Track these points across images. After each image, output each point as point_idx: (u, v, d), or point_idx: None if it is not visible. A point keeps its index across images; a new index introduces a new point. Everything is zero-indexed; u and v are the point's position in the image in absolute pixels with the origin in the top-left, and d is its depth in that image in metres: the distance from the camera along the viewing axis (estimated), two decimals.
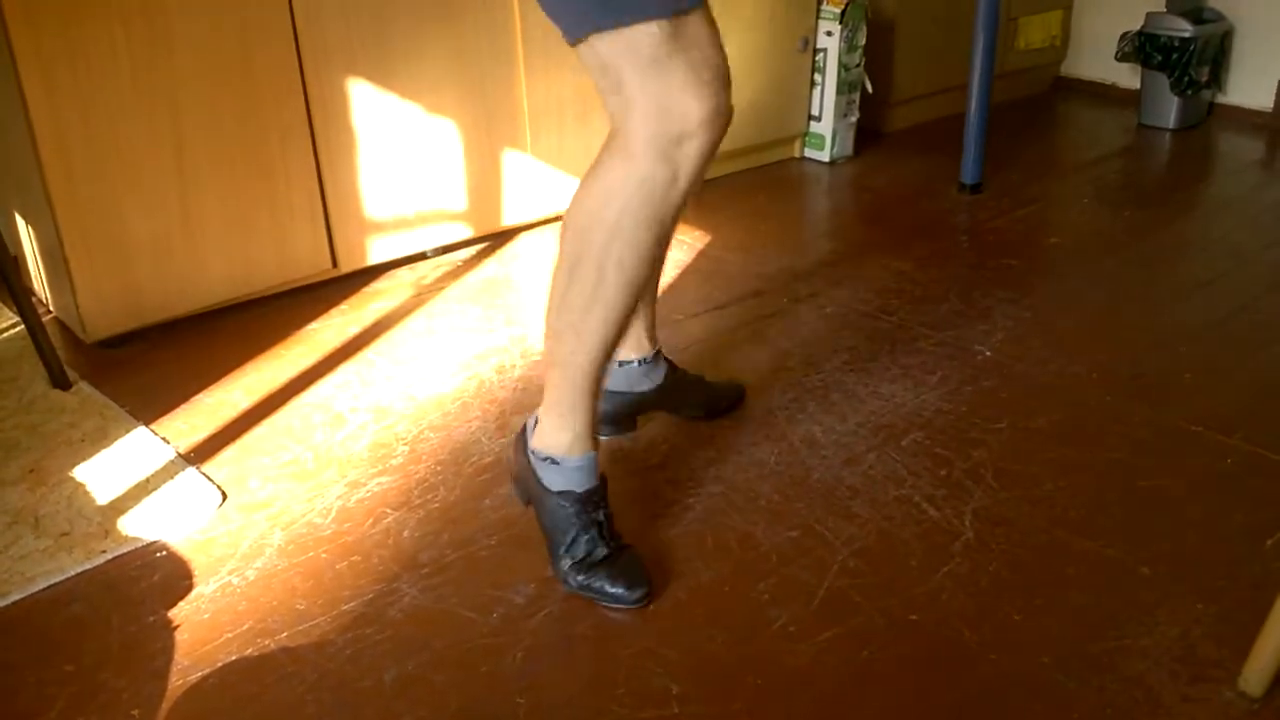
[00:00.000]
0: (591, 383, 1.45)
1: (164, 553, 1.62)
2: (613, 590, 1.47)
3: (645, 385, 1.83)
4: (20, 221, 2.34)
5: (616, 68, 1.26)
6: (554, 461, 1.49)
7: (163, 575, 1.57)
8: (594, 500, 1.51)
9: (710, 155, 1.31)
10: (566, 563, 1.50)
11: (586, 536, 1.49)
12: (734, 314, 2.32)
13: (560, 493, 1.50)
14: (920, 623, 1.45)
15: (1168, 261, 2.56)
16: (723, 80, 1.28)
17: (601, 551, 1.49)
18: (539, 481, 1.52)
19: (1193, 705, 1.31)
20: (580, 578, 1.49)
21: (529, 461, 1.53)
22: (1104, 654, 1.39)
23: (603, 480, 1.53)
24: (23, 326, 2.09)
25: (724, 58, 1.29)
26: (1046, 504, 1.68)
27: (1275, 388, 2.01)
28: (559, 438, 1.48)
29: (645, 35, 1.23)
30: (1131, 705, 1.31)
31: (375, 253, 2.49)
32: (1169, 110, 3.47)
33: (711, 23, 1.30)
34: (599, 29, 1.25)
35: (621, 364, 1.80)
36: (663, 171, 1.28)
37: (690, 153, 1.28)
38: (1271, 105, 3.51)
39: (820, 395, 2.00)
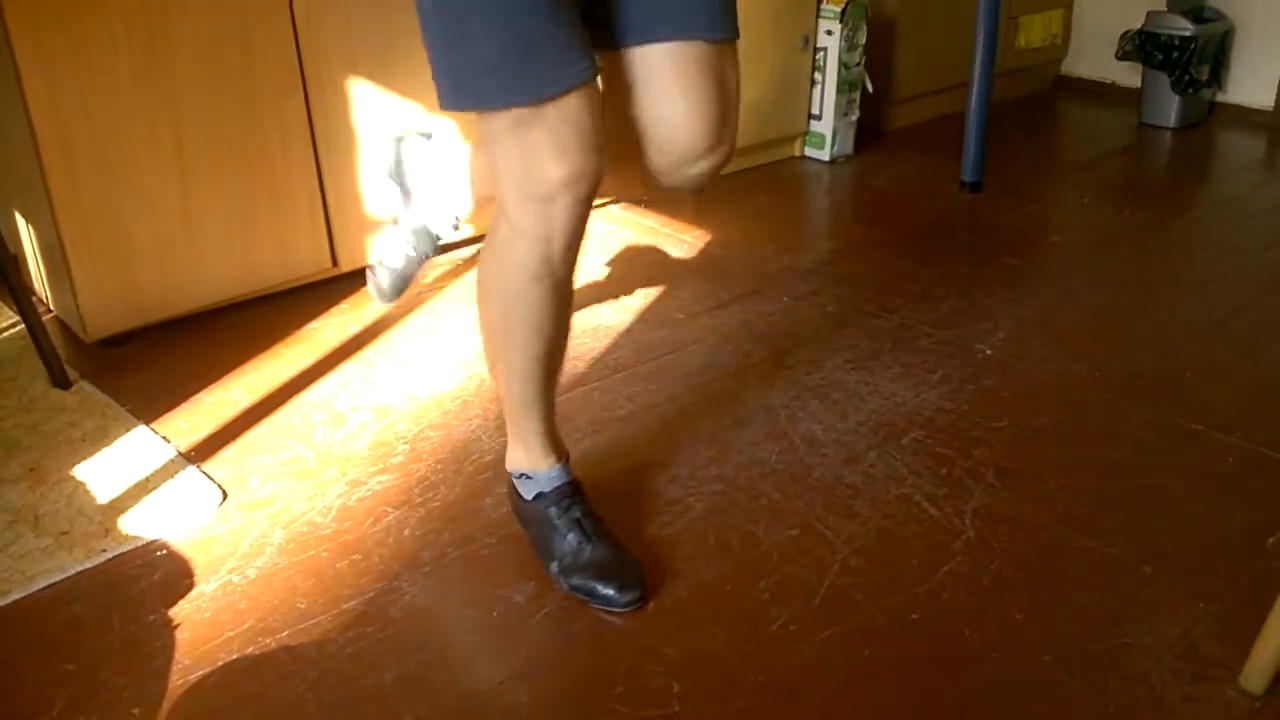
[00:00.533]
0: (534, 407, 1.50)
1: (164, 551, 1.62)
2: (603, 592, 1.47)
3: None
4: (20, 220, 2.34)
5: (486, 134, 1.29)
6: (527, 476, 1.55)
7: (163, 574, 1.57)
8: (568, 496, 1.53)
9: (581, 212, 1.31)
10: (555, 566, 1.51)
11: (570, 535, 1.51)
12: (734, 312, 2.32)
13: (536, 497, 1.54)
14: (921, 621, 1.45)
15: (1168, 260, 2.56)
16: (586, 142, 1.26)
17: (587, 549, 1.50)
18: (520, 497, 1.57)
19: (1194, 704, 1.31)
20: (572, 579, 1.49)
21: (511, 483, 1.59)
22: (1106, 652, 1.39)
23: (576, 483, 1.56)
24: (23, 325, 2.09)
25: (595, 121, 1.26)
26: (1048, 503, 1.68)
27: (1276, 387, 2.01)
28: (523, 456, 1.55)
29: (511, 114, 1.25)
30: (1134, 704, 1.31)
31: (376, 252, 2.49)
32: (1169, 109, 3.47)
33: (593, 98, 1.26)
34: (460, 109, 1.29)
35: None
36: (538, 228, 1.30)
37: (557, 213, 1.29)
38: (1272, 104, 3.51)
39: (821, 393, 1.99)
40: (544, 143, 1.25)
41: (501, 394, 1.52)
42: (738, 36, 1.37)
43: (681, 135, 1.36)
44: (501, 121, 1.26)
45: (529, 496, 1.55)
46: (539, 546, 1.55)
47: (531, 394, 1.49)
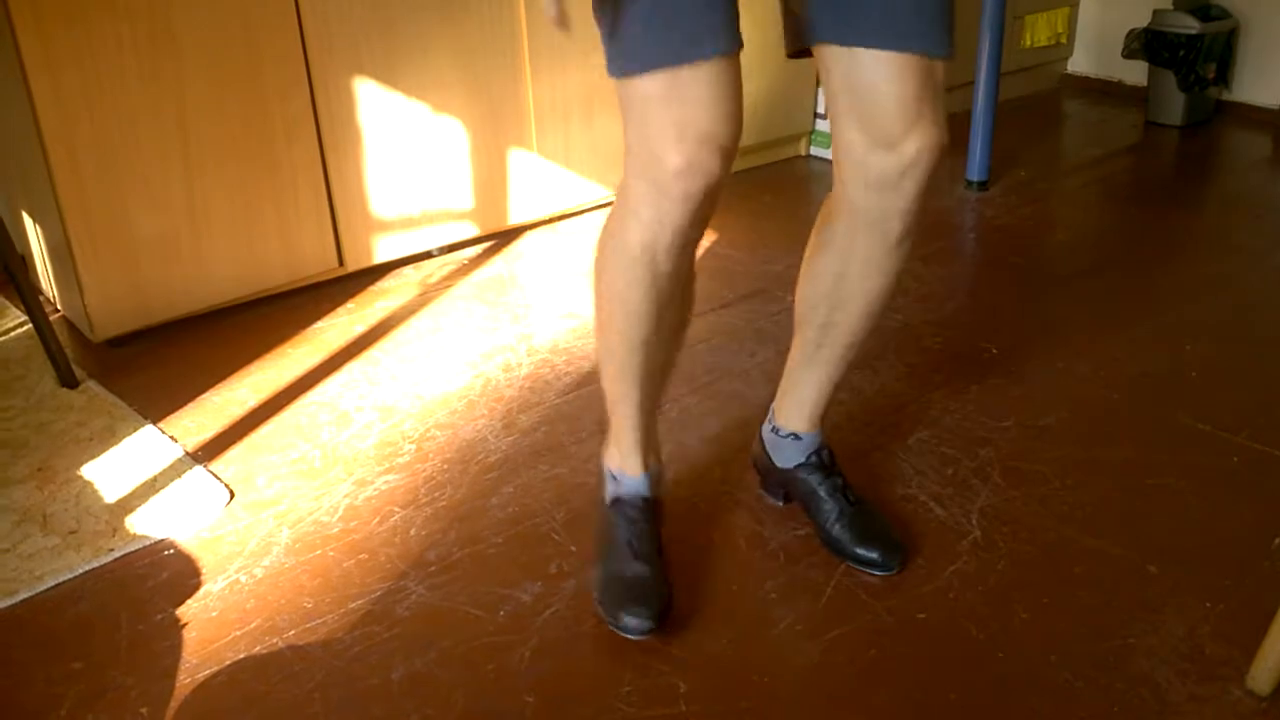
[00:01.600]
0: (627, 400, 1.46)
1: (172, 551, 1.63)
2: (622, 618, 1.43)
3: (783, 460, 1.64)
4: (28, 220, 2.34)
5: (623, 111, 1.28)
6: (614, 477, 1.54)
7: (171, 573, 1.58)
8: (636, 511, 1.51)
9: (692, 209, 1.26)
10: (599, 572, 1.50)
11: (623, 546, 1.48)
12: (739, 312, 2.32)
13: (612, 501, 1.53)
14: (927, 621, 1.45)
15: (1174, 259, 2.56)
16: (704, 143, 1.22)
17: (631, 568, 1.46)
18: (602, 492, 1.56)
19: (1200, 704, 1.31)
20: (601, 593, 1.47)
21: (601, 471, 1.58)
22: (1111, 652, 1.39)
23: (655, 503, 1.53)
24: (30, 325, 2.09)
25: (722, 124, 1.23)
26: (1053, 502, 1.68)
27: None
28: (612, 453, 1.54)
29: (638, 86, 1.23)
30: (1139, 704, 1.31)
31: (381, 251, 2.50)
32: (1176, 107, 3.46)
33: (721, 83, 1.23)
34: (613, 76, 1.26)
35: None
36: (647, 213, 1.28)
37: (668, 205, 1.26)
38: (1278, 102, 3.50)
39: None
40: (665, 132, 1.22)
41: (603, 384, 1.49)
42: (951, 57, 1.31)
43: (885, 100, 1.28)
44: (628, 92, 1.24)
45: (608, 500, 1.53)
46: (596, 544, 1.54)
47: (626, 384, 1.45)
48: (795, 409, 1.59)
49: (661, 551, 1.52)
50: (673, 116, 1.22)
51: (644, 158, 1.25)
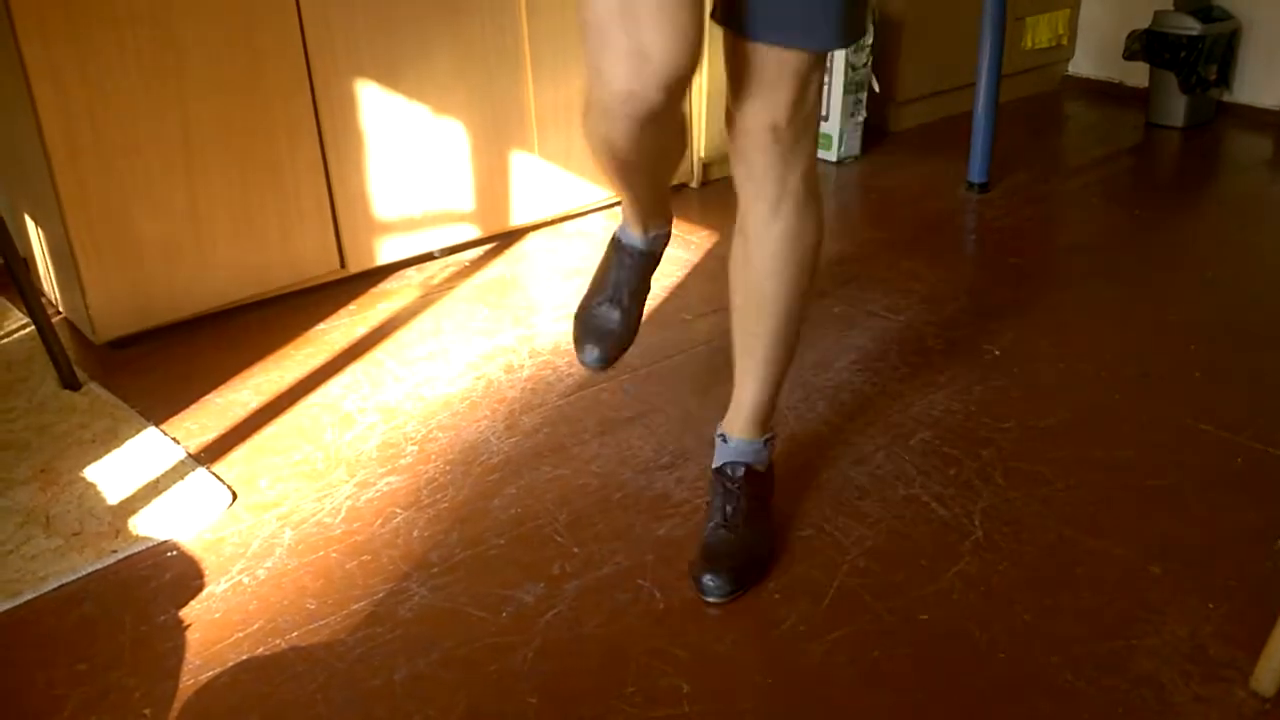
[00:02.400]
0: (624, 196, 1.59)
1: (174, 552, 1.63)
2: (581, 347, 1.65)
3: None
4: (30, 223, 2.35)
5: (580, 29, 1.29)
6: (623, 225, 1.68)
7: (173, 575, 1.58)
8: (627, 255, 1.66)
9: (640, 128, 1.29)
10: (585, 299, 1.69)
11: (610, 288, 1.66)
12: None
13: (616, 239, 1.68)
14: (930, 622, 1.45)
15: (1176, 260, 2.56)
16: (648, 72, 1.23)
17: (607, 313, 1.66)
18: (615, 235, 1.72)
19: (1203, 705, 1.31)
20: (578, 319, 1.69)
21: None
22: (1113, 653, 1.39)
23: (649, 256, 1.67)
24: (33, 327, 2.10)
25: (670, 54, 1.22)
26: (1055, 503, 1.68)
27: None
28: (627, 211, 1.66)
29: (594, 6, 1.24)
30: (1141, 705, 1.31)
31: (383, 253, 2.50)
32: (1177, 109, 3.46)
33: (673, 6, 1.21)
34: None
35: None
36: (602, 122, 1.31)
37: (616, 123, 1.29)
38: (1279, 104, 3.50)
39: (829, 395, 2.00)
40: (613, 54, 1.23)
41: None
42: (835, 47, 1.37)
43: (746, 99, 1.37)
44: (583, 12, 1.25)
45: (615, 234, 1.68)
46: (596, 272, 1.72)
47: (621, 187, 1.54)
48: (731, 410, 1.62)
49: (642, 299, 1.70)
50: (622, 42, 1.22)
51: (593, 77, 1.28)
